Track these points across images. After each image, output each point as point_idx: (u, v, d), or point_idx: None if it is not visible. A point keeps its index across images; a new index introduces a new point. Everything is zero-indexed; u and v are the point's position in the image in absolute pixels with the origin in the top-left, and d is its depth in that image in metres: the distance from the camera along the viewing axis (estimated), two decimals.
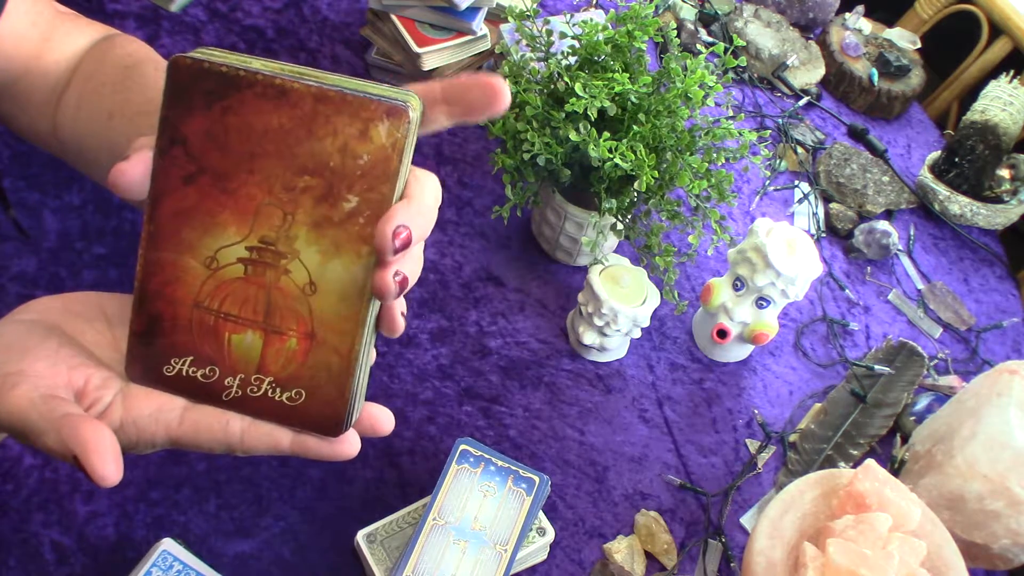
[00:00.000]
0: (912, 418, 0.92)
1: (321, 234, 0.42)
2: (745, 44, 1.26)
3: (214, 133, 0.41)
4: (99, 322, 0.46)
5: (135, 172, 0.42)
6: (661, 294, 0.87)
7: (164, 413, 0.43)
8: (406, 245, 0.42)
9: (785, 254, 0.86)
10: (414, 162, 0.44)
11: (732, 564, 0.80)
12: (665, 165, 0.83)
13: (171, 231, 0.43)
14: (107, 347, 0.45)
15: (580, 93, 0.78)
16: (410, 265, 0.44)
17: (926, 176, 1.20)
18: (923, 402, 0.94)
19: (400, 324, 0.45)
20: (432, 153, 1.03)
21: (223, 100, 0.41)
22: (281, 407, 0.44)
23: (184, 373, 0.44)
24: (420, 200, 0.43)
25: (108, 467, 0.38)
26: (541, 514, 0.74)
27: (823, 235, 1.13)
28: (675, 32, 0.89)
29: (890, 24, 1.50)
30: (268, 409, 0.44)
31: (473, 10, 1.04)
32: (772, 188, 1.15)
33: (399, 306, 0.45)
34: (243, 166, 0.42)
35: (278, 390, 0.43)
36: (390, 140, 0.41)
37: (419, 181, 0.44)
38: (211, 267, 0.43)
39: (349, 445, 0.45)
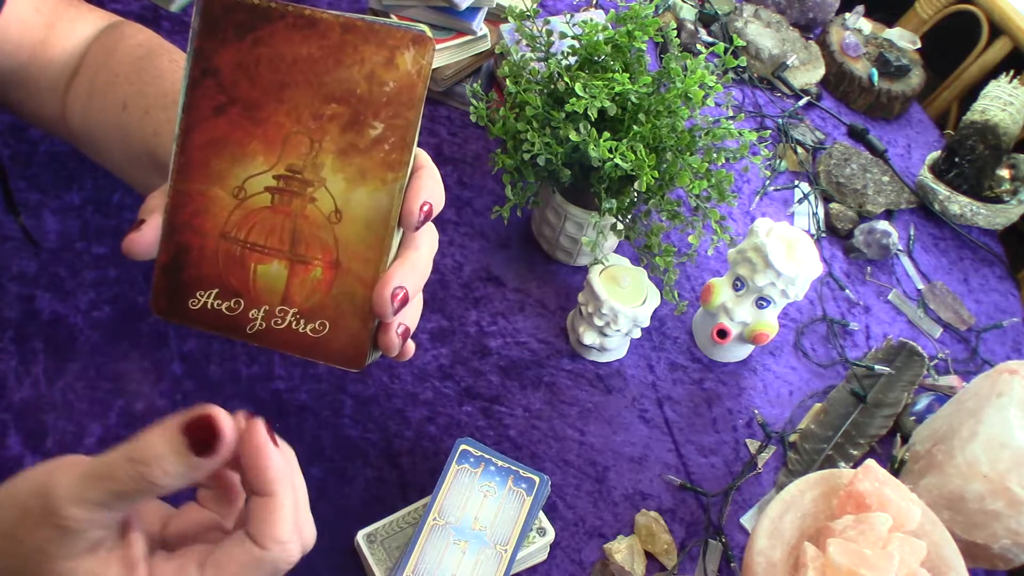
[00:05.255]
0: (912, 418, 0.92)
1: (347, 161, 0.43)
2: (745, 44, 1.26)
3: (245, 64, 0.43)
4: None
5: (146, 240, 0.44)
6: (661, 294, 0.87)
7: None
8: (404, 304, 0.44)
9: (785, 254, 0.86)
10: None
11: (732, 564, 0.80)
12: (665, 165, 0.83)
13: (200, 162, 0.43)
14: None
15: (580, 93, 0.78)
16: (411, 313, 0.46)
17: (926, 176, 1.20)
18: (923, 402, 0.94)
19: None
20: (432, 153, 1.03)
21: (254, 31, 0.42)
22: (304, 339, 0.44)
23: (209, 306, 0.44)
24: (416, 256, 0.45)
25: None
26: (541, 514, 0.74)
27: (823, 235, 1.13)
28: (675, 32, 0.89)
29: (890, 24, 1.51)
30: (292, 341, 0.44)
31: (473, 10, 1.04)
32: (772, 188, 1.15)
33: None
34: (273, 96, 0.43)
35: (302, 321, 0.44)
36: (415, 67, 0.42)
37: (418, 234, 0.45)
38: (239, 197, 0.43)
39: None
